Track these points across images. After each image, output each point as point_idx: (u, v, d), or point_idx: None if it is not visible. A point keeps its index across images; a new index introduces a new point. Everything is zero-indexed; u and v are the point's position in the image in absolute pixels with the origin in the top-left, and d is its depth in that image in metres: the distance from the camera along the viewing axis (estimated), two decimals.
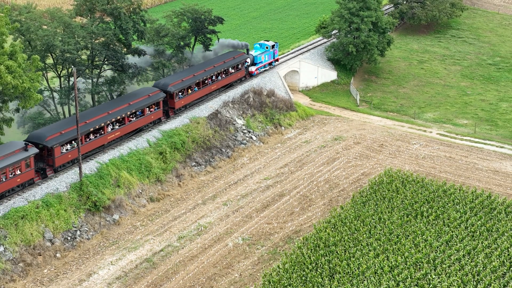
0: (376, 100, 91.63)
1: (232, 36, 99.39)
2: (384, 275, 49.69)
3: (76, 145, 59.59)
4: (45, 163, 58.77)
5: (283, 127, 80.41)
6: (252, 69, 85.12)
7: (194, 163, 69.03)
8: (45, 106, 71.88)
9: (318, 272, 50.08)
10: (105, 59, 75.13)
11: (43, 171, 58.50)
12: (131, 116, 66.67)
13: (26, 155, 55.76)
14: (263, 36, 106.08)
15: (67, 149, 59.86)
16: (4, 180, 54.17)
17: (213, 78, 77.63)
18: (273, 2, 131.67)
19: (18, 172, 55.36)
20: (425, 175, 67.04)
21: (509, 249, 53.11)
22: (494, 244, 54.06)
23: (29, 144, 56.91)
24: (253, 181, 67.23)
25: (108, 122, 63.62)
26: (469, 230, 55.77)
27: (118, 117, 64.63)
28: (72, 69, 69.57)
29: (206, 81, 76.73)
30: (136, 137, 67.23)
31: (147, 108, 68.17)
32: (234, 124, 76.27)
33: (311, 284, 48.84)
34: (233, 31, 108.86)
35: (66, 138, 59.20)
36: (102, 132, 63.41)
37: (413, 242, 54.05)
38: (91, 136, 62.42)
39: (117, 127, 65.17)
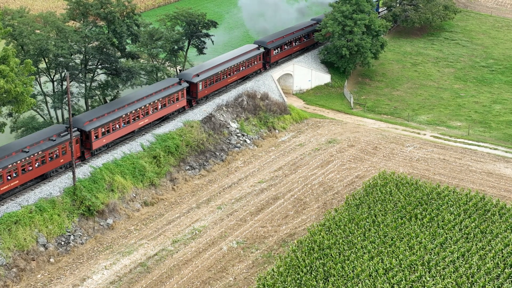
0: (370, 103, 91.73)
1: (226, 38, 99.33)
2: (378, 277, 49.65)
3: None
4: None
5: (277, 130, 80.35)
6: None
7: (188, 167, 68.91)
8: (38, 110, 71.70)
9: (312, 275, 50.00)
10: (99, 63, 74.99)
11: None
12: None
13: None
14: (256, 39, 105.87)
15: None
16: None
17: (298, 41, 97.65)
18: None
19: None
20: (419, 178, 67.08)
21: (503, 251, 53.14)
22: (488, 246, 54.09)
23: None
24: (247, 184, 67.13)
25: None
26: (463, 232, 55.81)
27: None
28: (65, 73, 69.43)
29: (295, 42, 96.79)
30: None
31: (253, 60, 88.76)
32: (228, 128, 76.19)
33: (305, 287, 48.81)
34: (226, 35, 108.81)
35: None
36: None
37: (408, 244, 54.03)
38: None
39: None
